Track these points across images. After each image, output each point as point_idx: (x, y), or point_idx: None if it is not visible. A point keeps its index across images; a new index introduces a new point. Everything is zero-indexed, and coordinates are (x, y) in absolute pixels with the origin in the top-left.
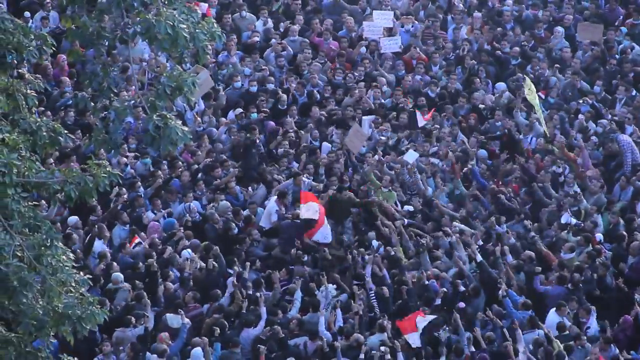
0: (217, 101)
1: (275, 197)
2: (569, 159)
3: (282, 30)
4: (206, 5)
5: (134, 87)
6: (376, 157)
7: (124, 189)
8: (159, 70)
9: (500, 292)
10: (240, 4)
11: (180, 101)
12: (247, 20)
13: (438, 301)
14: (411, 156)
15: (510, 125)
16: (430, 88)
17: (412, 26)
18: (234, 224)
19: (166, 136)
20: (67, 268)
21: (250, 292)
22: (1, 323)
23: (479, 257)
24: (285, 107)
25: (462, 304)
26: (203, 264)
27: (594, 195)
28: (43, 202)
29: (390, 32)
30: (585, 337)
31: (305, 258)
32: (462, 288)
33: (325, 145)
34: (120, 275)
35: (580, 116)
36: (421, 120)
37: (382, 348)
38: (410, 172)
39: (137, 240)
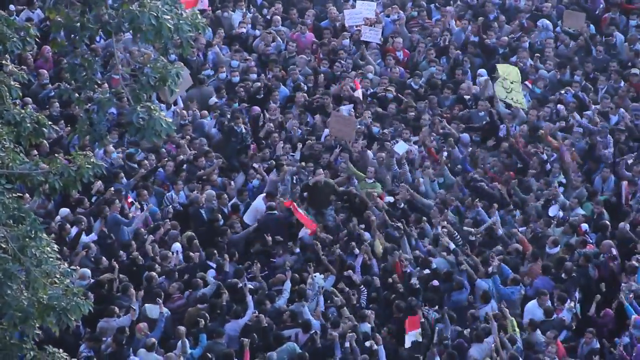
0: (202, 94)
1: (264, 195)
2: (553, 147)
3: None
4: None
5: (117, 76)
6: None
7: (100, 182)
8: (142, 61)
9: (491, 268)
10: (226, 3)
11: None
12: (230, 19)
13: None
14: (401, 147)
15: (493, 111)
16: (414, 80)
17: (398, 16)
18: (220, 215)
19: (150, 127)
20: (51, 259)
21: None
22: None
23: (452, 245)
24: (262, 95)
25: (435, 282)
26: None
27: (575, 189)
28: (27, 194)
29: (372, 22)
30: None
31: (297, 250)
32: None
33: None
34: (88, 271)
35: (560, 107)
36: (356, 92)
37: (368, 343)
38: (399, 164)
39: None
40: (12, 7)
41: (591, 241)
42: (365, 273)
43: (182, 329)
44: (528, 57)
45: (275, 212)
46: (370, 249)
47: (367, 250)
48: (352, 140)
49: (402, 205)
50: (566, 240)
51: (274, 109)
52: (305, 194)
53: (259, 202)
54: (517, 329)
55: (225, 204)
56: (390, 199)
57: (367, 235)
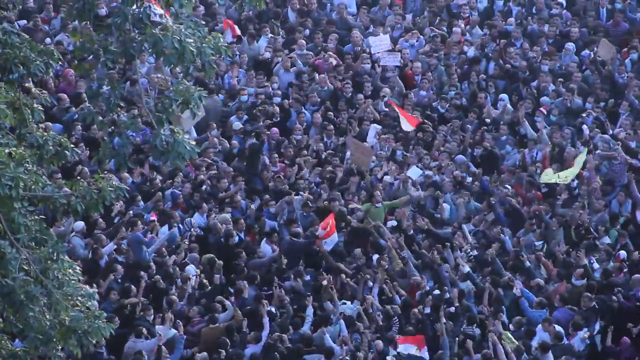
0: (215, 103)
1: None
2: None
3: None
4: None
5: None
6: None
7: (121, 202)
8: (163, 86)
9: (515, 290)
10: (252, 33)
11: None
12: (255, 50)
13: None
14: (414, 172)
15: (492, 143)
16: (440, 104)
17: (417, 41)
18: (235, 232)
19: (174, 150)
20: (73, 282)
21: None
22: (8, 337)
23: (466, 269)
24: (279, 118)
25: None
26: (205, 280)
27: (597, 213)
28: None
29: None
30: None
31: (308, 277)
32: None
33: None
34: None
35: (585, 127)
36: (406, 125)
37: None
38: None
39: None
40: (48, 40)
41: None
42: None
43: (199, 357)
44: (550, 81)
45: (299, 239)
46: (383, 274)
47: (381, 277)
48: (367, 169)
49: (411, 232)
50: (604, 266)
51: (299, 129)
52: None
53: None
54: (515, 341)
55: (242, 229)
56: (394, 222)
57: (376, 257)
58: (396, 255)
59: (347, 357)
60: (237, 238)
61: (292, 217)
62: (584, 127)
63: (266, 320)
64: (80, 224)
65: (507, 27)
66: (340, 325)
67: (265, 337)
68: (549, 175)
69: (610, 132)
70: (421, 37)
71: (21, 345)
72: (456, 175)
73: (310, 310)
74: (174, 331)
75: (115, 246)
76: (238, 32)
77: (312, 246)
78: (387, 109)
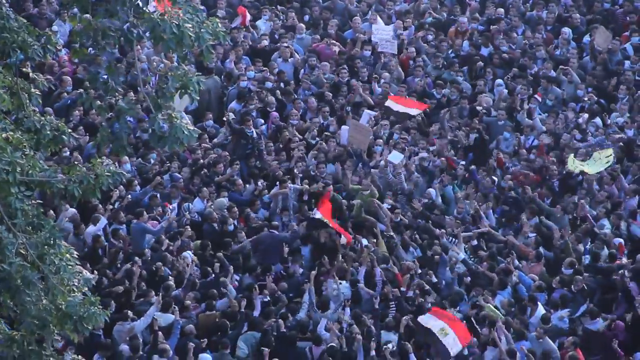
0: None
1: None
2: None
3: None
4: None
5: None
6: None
7: (121, 187)
8: (162, 70)
9: (512, 277)
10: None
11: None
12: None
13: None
14: (395, 157)
15: (480, 126)
16: (437, 90)
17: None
18: (230, 220)
19: (172, 135)
20: (70, 267)
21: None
22: (5, 321)
23: (462, 255)
24: (274, 108)
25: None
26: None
27: (600, 204)
28: (52, 212)
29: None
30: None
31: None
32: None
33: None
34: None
35: (585, 115)
36: (412, 111)
37: (390, 345)
38: (395, 173)
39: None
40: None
41: (619, 256)
42: (368, 282)
43: (192, 345)
44: (551, 68)
45: (275, 231)
46: (373, 256)
47: (371, 258)
48: (365, 149)
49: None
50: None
51: (295, 114)
52: (312, 200)
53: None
54: (498, 312)
55: (235, 216)
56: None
57: (364, 241)
58: (382, 241)
59: (336, 342)
60: (232, 226)
61: (285, 206)
62: (584, 115)
63: (257, 301)
64: (71, 211)
65: (497, 15)
66: (345, 311)
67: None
68: (575, 164)
69: (608, 120)
70: (412, 25)
71: None
72: (448, 157)
73: (306, 297)
74: (172, 317)
75: (106, 221)
76: (248, 22)
77: (294, 240)
78: (381, 94)
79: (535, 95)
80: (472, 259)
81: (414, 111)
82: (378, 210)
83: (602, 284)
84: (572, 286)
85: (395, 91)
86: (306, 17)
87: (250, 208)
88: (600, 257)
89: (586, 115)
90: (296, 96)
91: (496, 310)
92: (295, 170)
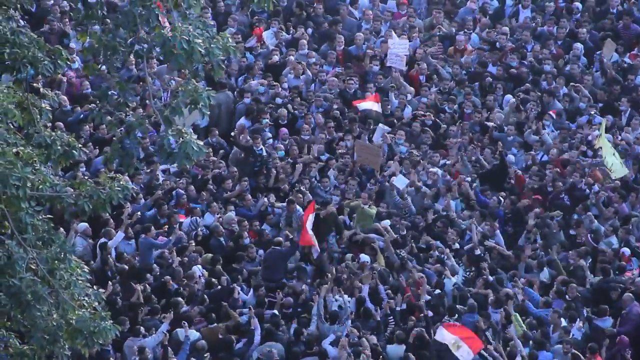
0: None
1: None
2: (596, 179)
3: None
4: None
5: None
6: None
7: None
8: (174, 86)
9: (519, 296)
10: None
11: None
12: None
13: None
14: (400, 182)
15: (501, 149)
16: (448, 105)
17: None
18: (245, 234)
19: (182, 151)
20: (80, 282)
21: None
22: (15, 336)
23: (454, 280)
24: (286, 122)
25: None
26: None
27: (608, 221)
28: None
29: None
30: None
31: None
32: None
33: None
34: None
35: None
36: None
37: None
38: (402, 196)
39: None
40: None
41: (631, 268)
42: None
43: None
44: (563, 84)
45: (279, 247)
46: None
47: (374, 275)
48: (378, 168)
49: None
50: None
51: (307, 129)
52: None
53: None
54: (523, 326)
55: (246, 229)
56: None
57: (364, 257)
58: (381, 256)
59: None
60: (247, 240)
61: (290, 221)
62: (595, 131)
63: (255, 321)
64: (83, 225)
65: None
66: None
67: (258, 336)
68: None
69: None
70: (417, 38)
71: None
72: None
73: (315, 310)
74: (184, 332)
75: (124, 234)
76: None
77: (295, 252)
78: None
79: (550, 112)
80: (467, 272)
81: (375, 105)
82: (377, 227)
83: (596, 293)
84: (567, 295)
85: (416, 106)
86: (309, 30)
87: (263, 221)
88: (609, 272)
89: (596, 132)
90: (308, 111)
91: (521, 322)
92: (301, 187)
